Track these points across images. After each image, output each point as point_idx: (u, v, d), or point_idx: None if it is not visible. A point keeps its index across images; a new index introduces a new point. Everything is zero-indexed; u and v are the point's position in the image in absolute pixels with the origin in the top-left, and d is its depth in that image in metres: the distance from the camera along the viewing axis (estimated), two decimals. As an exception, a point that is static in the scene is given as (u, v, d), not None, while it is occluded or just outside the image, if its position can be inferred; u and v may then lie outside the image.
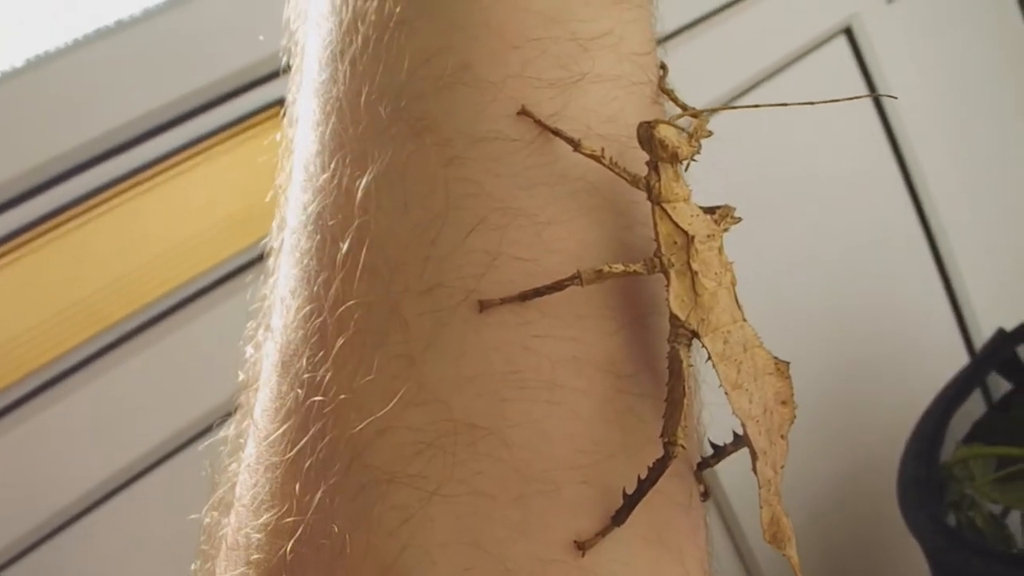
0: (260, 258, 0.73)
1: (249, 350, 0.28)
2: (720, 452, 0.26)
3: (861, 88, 1.13)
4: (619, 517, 0.23)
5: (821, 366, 1.06)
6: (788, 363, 0.25)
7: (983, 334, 1.16)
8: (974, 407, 0.93)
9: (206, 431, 0.71)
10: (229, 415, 0.75)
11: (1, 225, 0.68)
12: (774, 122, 1.04)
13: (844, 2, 1.11)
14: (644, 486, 0.23)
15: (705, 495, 0.26)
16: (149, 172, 0.73)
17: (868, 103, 1.11)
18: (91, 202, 0.71)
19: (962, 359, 1.16)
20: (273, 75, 0.75)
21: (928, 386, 0.94)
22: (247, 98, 0.75)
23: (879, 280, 1.13)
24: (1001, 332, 0.96)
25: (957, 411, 0.90)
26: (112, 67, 0.71)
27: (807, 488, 1.01)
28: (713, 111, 0.26)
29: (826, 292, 1.08)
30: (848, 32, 1.12)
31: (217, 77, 0.74)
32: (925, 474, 0.82)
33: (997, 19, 1.28)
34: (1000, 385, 0.97)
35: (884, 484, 0.90)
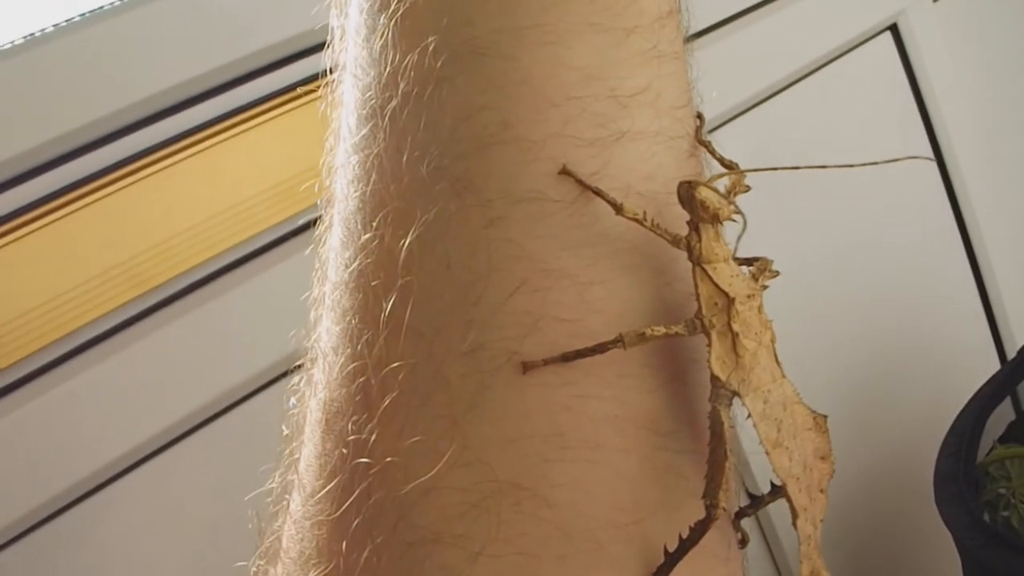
0: (304, 228, 0.74)
1: (292, 401, 0.28)
2: (757, 502, 0.26)
3: (903, 84, 1.12)
4: (660, 574, 0.23)
5: (853, 364, 1.07)
6: (826, 417, 0.25)
7: (1015, 337, 1.17)
8: (1005, 412, 0.93)
9: (242, 400, 0.72)
10: (263, 387, 0.75)
11: (44, 185, 0.69)
12: (814, 118, 1.04)
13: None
14: (686, 545, 0.23)
15: (743, 543, 0.27)
16: (196, 138, 0.73)
17: (909, 101, 1.11)
18: (137, 164, 0.71)
19: (994, 361, 1.16)
20: (319, 47, 0.75)
21: (959, 387, 0.94)
22: (294, 68, 0.75)
23: (914, 280, 1.13)
24: None
25: (994, 411, 0.89)
26: (160, 29, 0.71)
27: (839, 484, 1.01)
28: (750, 171, 0.26)
29: (860, 291, 1.08)
30: (894, 29, 1.11)
31: (265, 45, 0.74)
32: (962, 471, 0.82)
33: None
34: None
35: (915, 482, 0.91)
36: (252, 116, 0.73)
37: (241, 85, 0.73)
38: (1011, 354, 0.99)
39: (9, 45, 0.69)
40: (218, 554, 0.70)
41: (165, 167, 0.72)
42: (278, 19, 0.74)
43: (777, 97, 1.02)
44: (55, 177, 0.69)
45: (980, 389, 0.92)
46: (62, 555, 0.69)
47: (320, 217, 0.29)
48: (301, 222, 0.73)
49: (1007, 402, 0.93)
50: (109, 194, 0.71)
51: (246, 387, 0.71)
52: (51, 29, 0.69)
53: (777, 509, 0.95)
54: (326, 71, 0.30)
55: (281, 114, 0.75)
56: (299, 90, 0.74)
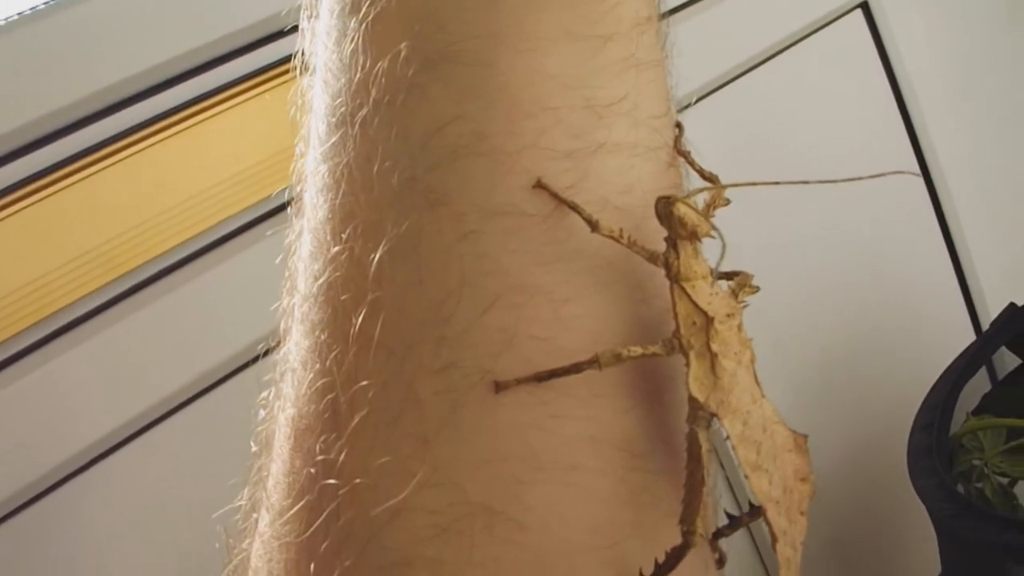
0: (276, 211, 0.73)
1: (261, 413, 0.28)
2: (735, 523, 0.26)
3: (875, 62, 1.12)
4: (636, 599, 0.23)
5: (829, 339, 1.07)
6: (806, 436, 0.25)
7: (990, 310, 1.17)
8: (980, 384, 0.93)
9: (217, 383, 0.72)
10: (239, 369, 0.75)
11: (19, 169, 0.68)
12: (787, 96, 1.04)
13: (861, -23, 1.10)
14: (662, 570, 0.22)
15: (720, 563, 0.26)
16: (167, 121, 0.72)
17: (880, 79, 1.11)
18: (110, 148, 0.71)
19: (968, 335, 1.17)
20: (295, 28, 0.75)
21: (934, 360, 0.94)
22: (267, 50, 0.75)
23: (889, 255, 1.13)
24: (1012, 306, 0.95)
25: (967, 384, 0.90)
26: (132, 12, 0.71)
27: (816, 459, 1.02)
28: (730, 186, 0.25)
29: (835, 266, 1.08)
30: (864, 7, 1.11)
31: (237, 28, 0.74)
32: (935, 443, 0.82)
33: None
34: (1005, 362, 0.97)
35: (890, 457, 0.91)
36: (224, 99, 0.73)
37: (213, 68, 0.73)
38: (986, 327, 0.99)
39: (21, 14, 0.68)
40: (198, 536, 0.70)
41: (138, 151, 0.72)
42: (251, 1, 0.73)
43: (747, 76, 1.02)
44: (29, 162, 0.69)
45: (953, 362, 0.92)
46: (41, 540, 0.69)
47: (291, 223, 0.28)
48: (274, 205, 0.73)
49: (981, 374, 0.94)
50: (83, 178, 0.70)
51: (222, 369, 0.71)
52: (24, 13, 0.69)
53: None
54: (296, 53, 0.29)
55: (253, 96, 0.74)
56: (272, 71, 0.73)
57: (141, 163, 0.71)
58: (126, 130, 0.70)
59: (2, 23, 0.68)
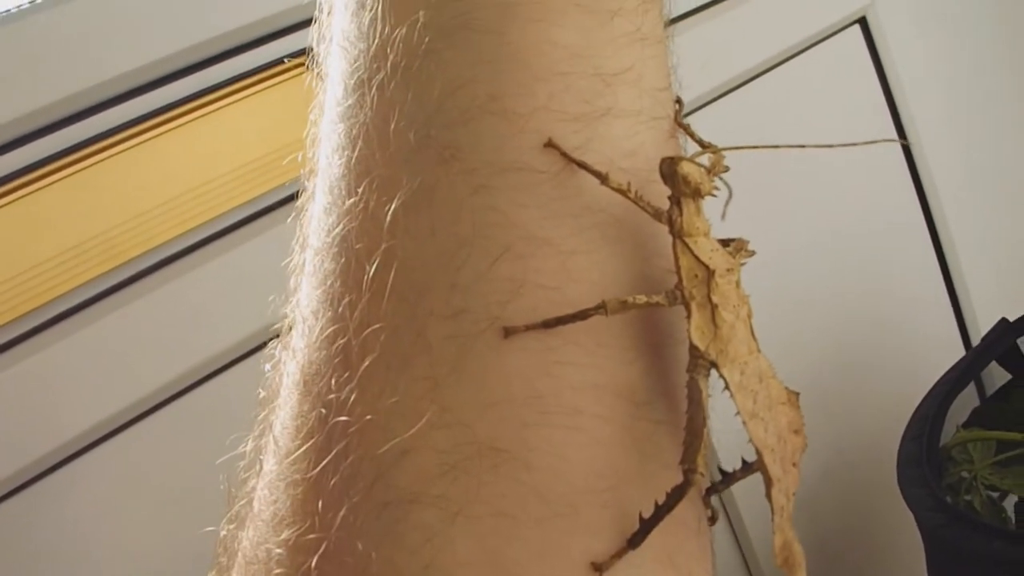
0: (279, 204, 0.74)
1: (267, 367, 0.28)
2: (729, 478, 0.27)
3: (872, 77, 1.15)
4: (635, 540, 0.23)
5: (818, 351, 1.08)
6: (798, 393, 0.26)
7: (980, 325, 1.19)
8: (969, 398, 0.95)
9: (209, 376, 0.72)
10: (232, 363, 0.76)
11: (22, 157, 0.69)
12: (781, 108, 1.06)
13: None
14: (661, 512, 0.23)
15: (712, 520, 0.27)
16: (172, 114, 0.74)
17: (876, 93, 1.13)
18: (112, 139, 0.72)
19: (959, 349, 1.19)
20: (303, 23, 0.76)
21: (924, 374, 0.96)
22: (270, 47, 0.76)
23: (879, 268, 1.15)
24: (1004, 322, 0.97)
25: (958, 396, 0.91)
26: (134, 6, 0.72)
27: (805, 470, 1.03)
28: (728, 149, 0.26)
29: (826, 278, 1.10)
30: (862, 22, 1.13)
31: (240, 24, 0.75)
32: (925, 454, 0.83)
33: (1012, 13, 1.31)
34: (995, 377, 0.99)
35: (880, 465, 0.92)
36: (228, 93, 0.74)
37: (217, 63, 0.74)
38: (976, 342, 1.01)
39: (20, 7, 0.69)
40: (188, 528, 0.71)
41: (140, 142, 0.73)
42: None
43: (744, 87, 1.04)
44: (30, 151, 0.69)
45: (944, 375, 0.93)
46: (29, 527, 0.69)
47: (302, 188, 0.29)
48: (274, 200, 0.74)
49: (971, 388, 0.95)
50: (84, 167, 0.71)
51: (217, 361, 0.72)
52: (28, 4, 0.70)
53: (745, 502, 0.96)
54: (305, 49, 0.30)
55: (256, 92, 0.75)
56: (288, 61, 0.75)
57: (142, 154, 0.72)
58: (128, 122, 0.72)
59: (5, 13, 0.69)
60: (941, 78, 1.20)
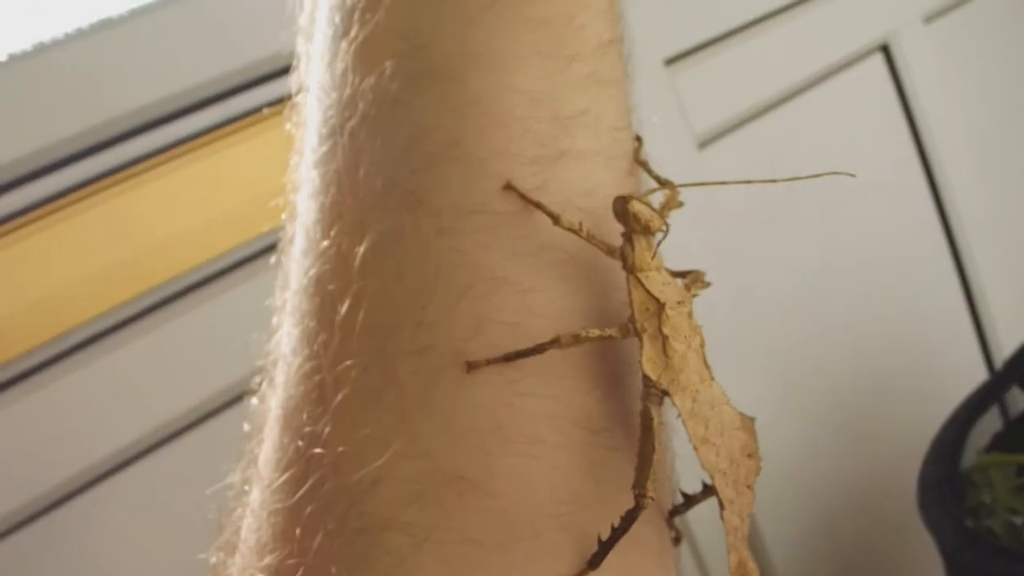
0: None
1: (254, 401, 0.30)
2: (690, 501, 0.28)
3: (894, 105, 1.16)
4: (594, 561, 0.25)
5: (840, 374, 1.09)
6: (754, 419, 0.27)
7: (1003, 349, 1.19)
8: (991, 422, 0.94)
9: (237, 399, 0.73)
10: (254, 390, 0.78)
11: (50, 186, 0.71)
12: (804, 137, 1.07)
13: (882, 20, 1.13)
14: (617, 534, 0.25)
15: (676, 540, 0.28)
16: (196, 143, 0.76)
17: (899, 120, 1.13)
18: (137, 168, 0.74)
19: (981, 373, 1.18)
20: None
21: (946, 398, 0.96)
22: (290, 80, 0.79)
23: (902, 291, 1.16)
24: None
25: (979, 421, 0.90)
26: (160, 41, 0.74)
27: (826, 494, 1.04)
28: (684, 185, 0.28)
29: (848, 301, 1.11)
30: (885, 50, 1.14)
31: (261, 56, 0.78)
32: (945, 477, 0.83)
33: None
34: (1018, 401, 0.98)
35: (900, 488, 0.92)
36: (253, 123, 0.76)
37: (240, 94, 0.76)
38: (999, 365, 1.00)
39: (19, 52, 0.72)
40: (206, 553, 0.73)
41: (166, 172, 0.75)
42: (267, 35, 0.78)
43: (767, 115, 1.05)
44: (59, 179, 0.72)
45: (966, 399, 0.93)
46: (51, 551, 0.71)
47: (283, 231, 0.31)
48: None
49: (994, 413, 0.94)
50: (110, 197, 0.73)
51: (241, 386, 0.73)
52: (60, 37, 0.73)
53: (703, 526, 0.96)
54: (291, 94, 0.32)
55: (277, 125, 0.77)
56: (266, 111, 0.77)
57: (167, 183, 0.74)
58: (153, 151, 0.74)
59: (38, 46, 0.72)
60: (964, 105, 1.20)
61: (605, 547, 0.25)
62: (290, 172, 0.31)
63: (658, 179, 0.28)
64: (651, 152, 0.91)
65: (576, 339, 0.25)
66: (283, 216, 0.31)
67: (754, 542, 0.99)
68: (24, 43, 0.73)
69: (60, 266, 0.72)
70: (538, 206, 0.26)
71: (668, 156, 0.95)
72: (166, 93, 0.75)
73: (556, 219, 0.25)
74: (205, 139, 0.77)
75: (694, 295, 0.27)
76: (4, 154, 0.71)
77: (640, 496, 0.24)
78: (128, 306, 0.73)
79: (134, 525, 0.73)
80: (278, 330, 0.29)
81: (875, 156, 1.14)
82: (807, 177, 0.28)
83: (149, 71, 0.74)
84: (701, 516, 0.29)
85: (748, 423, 0.27)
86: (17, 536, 0.70)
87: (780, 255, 1.03)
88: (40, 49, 0.73)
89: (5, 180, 0.71)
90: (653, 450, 0.24)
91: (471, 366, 0.25)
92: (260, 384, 0.30)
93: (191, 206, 0.76)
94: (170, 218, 0.75)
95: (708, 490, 0.27)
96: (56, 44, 0.73)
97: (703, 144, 0.99)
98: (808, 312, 1.06)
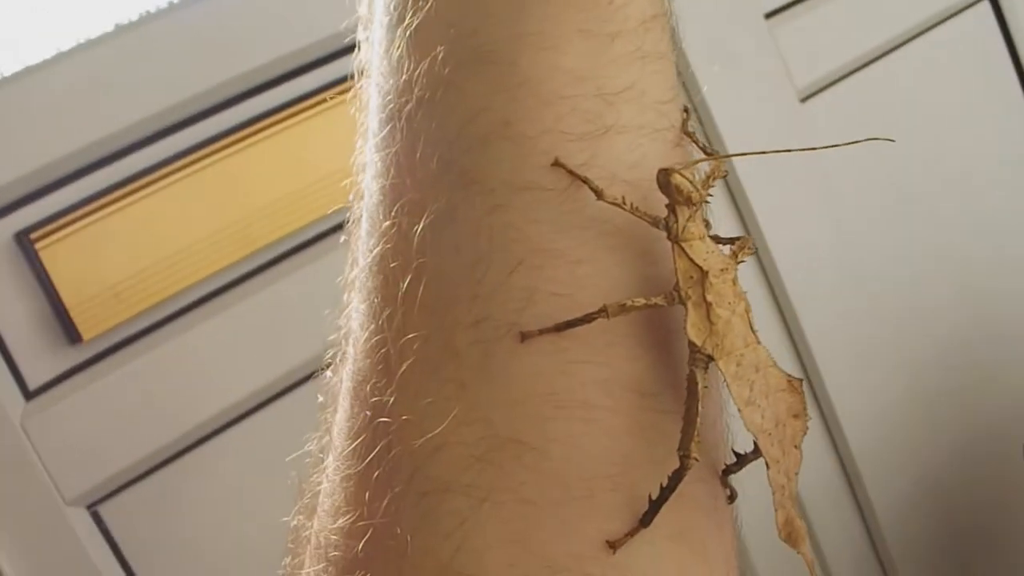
0: None
1: (328, 373, 0.32)
2: (742, 460, 0.29)
3: (1003, 53, 1.12)
4: (645, 519, 0.26)
5: (945, 325, 1.08)
6: (801, 380, 0.27)
7: None
8: None
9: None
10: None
11: (165, 149, 0.76)
12: (908, 85, 1.05)
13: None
14: (665, 493, 0.26)
15: (731, 498, 0.29)
16: (304, 104, 0.80)
17: (1008, 72, 1.10)
18: (246, 131, 0.79)
19: None
20: None
21: None
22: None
23: (1011, 243, 1.14)
24: None
25: None
26: (258, 12, 0.78)
27: (931, 446, 1.03)
28: (728, 156, 0.28)
29: (954, 251, 1.09)
30: None
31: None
32: None
33: None
34: None
35: (1007, 446, 0.91)
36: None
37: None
38: None
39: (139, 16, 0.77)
40: None
41: (272, 134, 0.78)
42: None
43: (870, 67, 1.04)
44: (171, 143, 0.76)
45: None
46: (182, 491, 0.75)
47: (350, 211, 0.32)
48: None
49: None
50: (222, 159, 0.77)
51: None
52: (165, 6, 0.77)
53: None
54: (355, 60, 0.34)
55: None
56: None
57: (281, 143, 0.78)
58: (262, 114, 0.78)
59: (145, 16, 0.76)
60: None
61: (655, 506, 0.26)
62: (356, 154, 0.32)
63: (704, 149, 0.29)
64: (752, 106, 0.92)
65: (623, 308, 0.26)
66: (350, 197, 0.32)
67: (857, 493, 0.99)
68: (144, 7, 0.77)
69: (176, 227, 0.75)
70: (585, 181, 0.27)
71: (769, 110, 0.94)
72: (270, 57, 0.78)
73: (600, 194, 0.26)
74: (338, 88, 0.79)
75: (741, 261, 0.28)
76: (123, 119, 0.75)
77: (685, 458, 0.25)
78: (240, 265, 0.77)
79: (251, 473, 0.76)
80: (348, 306, 0.31)
81: (983, 107, 1.11)
82: (848, 144, 0.28)
83: (264, 34, 0.77)
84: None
85: (796, 384, 0.27)
86: (148, 480, 0.74)
87: (896, 216, 1.02)
88: (145, 18, 0.77)
89: (125, 144, 0.75)
90: (697, 414, 0.25)
91: (525, 336, 0.26)
92: (333, 357, 0.32)
93: (298, 169, 0.79)
94: (278, 181, 0.78)
95: (758, 450, 0.28)
96: (160, 13, 0.77)
97: (805, 98, 0.98)
98: (913, 261, 1.05)
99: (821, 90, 0.99)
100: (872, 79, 1.03)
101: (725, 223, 0.89)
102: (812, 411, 0.91)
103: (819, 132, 0.96)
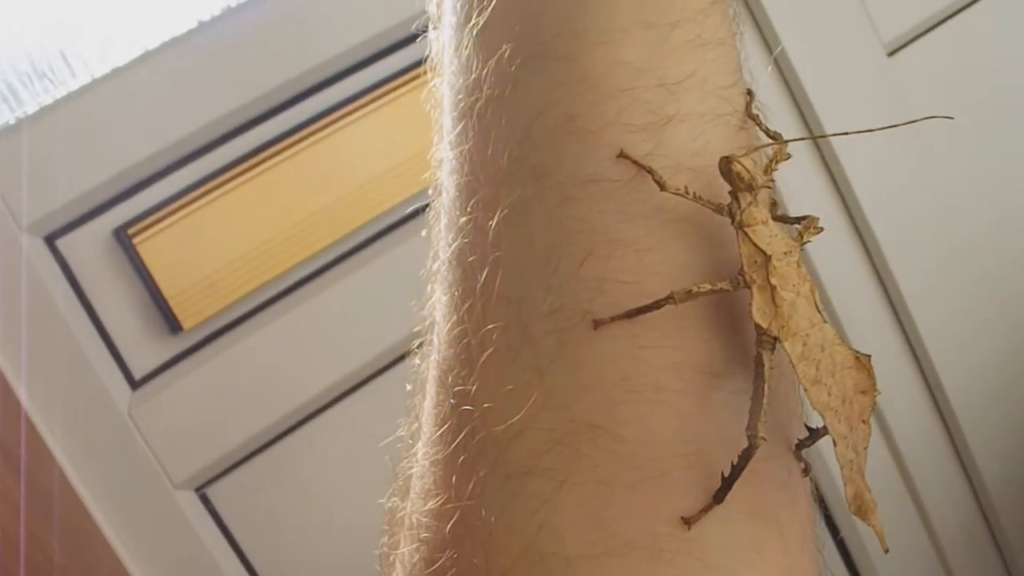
0: None
1: (416, 361, 0.34)
2: (814, 434, 0.30)
3: None
4: (719, 496, 0.27)
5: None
6: (869, 356, 0.28)
7: None
8: None
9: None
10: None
11: (252, 140, 0.79)
12: (998, 36, 1.02)
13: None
14: (736, 471, 0.27)
15: (805, 471, 0.30)
16: (394, 83, 0.82)
17: None
18: (339, 113, 0.81)
19: None
20: None
21: None
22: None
23: None
24: None
25: None
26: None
27: (1004, 414, 1.01)
28: (792, 140, 0.29)
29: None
30: None
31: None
32: None
33: None
34: None
35: None
36: (407, 81, 0.82)
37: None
38: None
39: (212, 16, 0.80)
40: None
41: (360, 116, 0.81)
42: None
43: (959, 17, 1.00)
44: (258, 134, 0.79)
45: None
46: (284, 471, 0.78)
47: (430, 206, 0.34)
48: None
49: None
50: (310, 145, 0.79)
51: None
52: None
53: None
54: (426, 59, 0.35)
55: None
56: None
57: (369, 125, 0.81)
58: (354, 94, 0.81)
59: (226, 10, 0.79)
60: None
61: (728, 483, 0.27)
62: (433, 151, 0.34)
63: (767, 132, 0.30)
64: (838, 62, 0.90)
65: (689, 295, 0.27)
66: (429, 191, 0.34)
67: (962, 453, 0.98)
68: (226, 3, 0.80)
69: (266, 217, 0.78)
70: (649, 171, 0.28)
71: (855, 65, 0.93)
72: (361, 39, 0.81)
73: (663, 186, 0.27)
74: (390, 85, 0.81)
75: (807, 242, 0.28)
76: (210, 114, 0.78)
77: (752, 437, 0.26)
78: (327, 252, 0.79)
79: (343, 457, 0.79)
80: (431, 297, 0.33)
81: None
82: (899, 124, 0.28)
83: (345, 20, 0.79)
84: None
85: (864, 360, 0.28)
86: (252, 462, 0.77)
87: (978, 158, 0.99)
88: (227, 13, 0.79)
89: (213, 137, 0.78)
90: (764, 394, 0.26)
91: (597, 323, 0.28)
92: (420, 346, 0.33)
93: (386, 150, 0.80)
94: (367, 163, 0.80)
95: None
96: (240, 8, 0.79)
97: (892, 51, 0.96)
98: (1012, 223, 1.02)
99: (908, 42, 0.97)
100: (962, 29, 1.00)
101: (815, 187, 0.88)
102: (912, 371, 0.91)
103: (909, 89, 0.94)
